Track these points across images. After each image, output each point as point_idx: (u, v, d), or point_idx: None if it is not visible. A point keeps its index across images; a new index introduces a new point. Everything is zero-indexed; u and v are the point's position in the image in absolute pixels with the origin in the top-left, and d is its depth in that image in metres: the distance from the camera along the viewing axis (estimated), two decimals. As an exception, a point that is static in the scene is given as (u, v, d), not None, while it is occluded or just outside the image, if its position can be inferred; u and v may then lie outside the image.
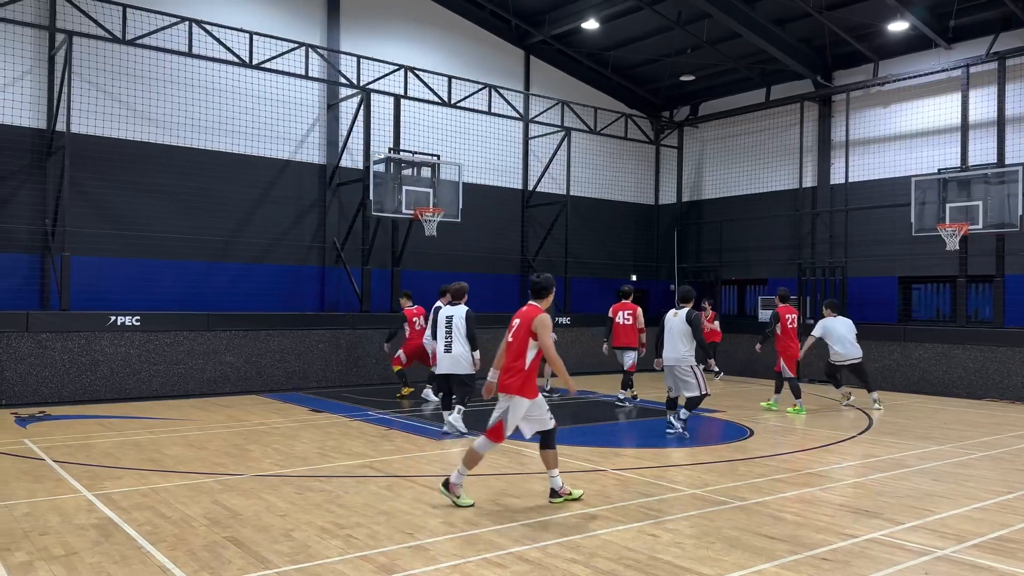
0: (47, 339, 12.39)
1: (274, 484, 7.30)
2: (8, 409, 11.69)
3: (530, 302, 6.91)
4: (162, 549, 5.37)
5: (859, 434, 10.66)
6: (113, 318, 12.98)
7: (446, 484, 6.68)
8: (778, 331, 12.62)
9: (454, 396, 10.47)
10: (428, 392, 13.06)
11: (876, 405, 12.98)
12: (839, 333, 13.05)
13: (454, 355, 10.25)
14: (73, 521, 6.01)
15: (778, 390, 12.87)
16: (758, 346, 13.16)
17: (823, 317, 13.32)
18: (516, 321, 6.83)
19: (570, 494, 6.81)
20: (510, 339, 6.78)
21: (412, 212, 15.21)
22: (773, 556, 5.39)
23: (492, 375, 6.92)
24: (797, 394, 12.44)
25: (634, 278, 21.52)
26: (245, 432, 10.14)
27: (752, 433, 10.63)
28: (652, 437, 10.74)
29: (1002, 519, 6.44)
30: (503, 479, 7.71)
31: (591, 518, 6.28)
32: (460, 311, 10.32)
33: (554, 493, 6.80)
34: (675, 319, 10.38)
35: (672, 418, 10.39)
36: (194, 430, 10.22)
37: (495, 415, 6.73)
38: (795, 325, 12.73)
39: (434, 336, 10.77)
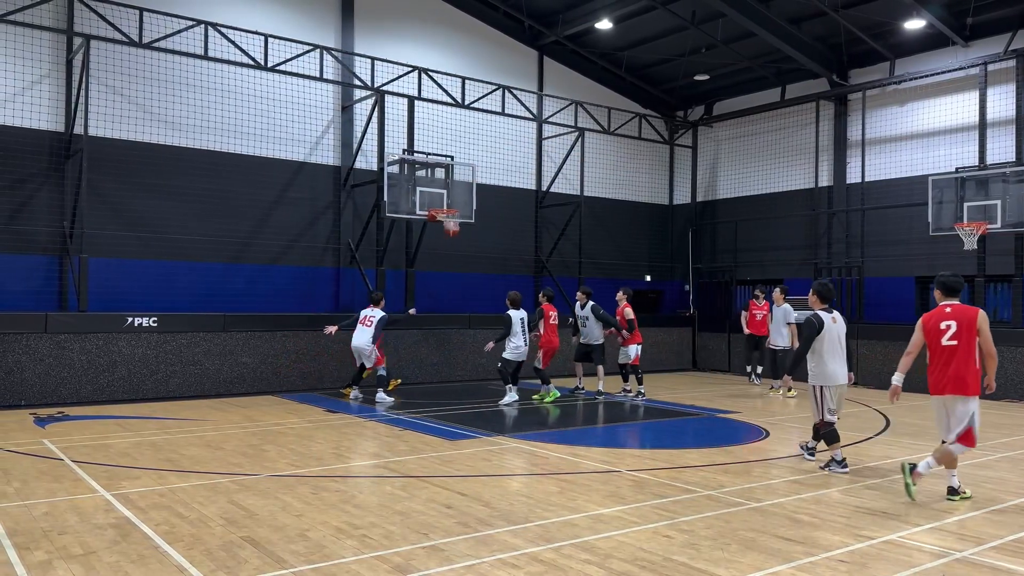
0: (65, 340, 12.51)
1: (290, 484, 7.34)
2: (27, 409, 11.81)
3: (951, 300, 7.08)
4: (179, 548, 5.40)
5: (876, 435, 10.59)
6: (130, 319, 13.08)
7: (912, 467, 6.97)
8: (541, 329, 13.92)
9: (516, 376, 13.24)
10: (356, 394, 13.46)
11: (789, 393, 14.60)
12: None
13: (527, 347, 13.34)
14: (91, 521, 6.06)
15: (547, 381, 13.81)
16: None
17: (779, 304, 15.10)
18: (949, 323, 6.90)
19: (964, 493, 6.97)
20: (950, 341, 6.83)
21: (426, 213, 15.24)
22: (789, 558, 5.36)
23: (898, 379, 7.15)
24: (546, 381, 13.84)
25: (648, 278, 21.48)
26: (261, 432, 10.19)
27: (768, 434, 10.58)
28: (666, 438, 10.72)
29: (1022, 521, 6.38)
30: (518, 480, 7.72)
31: (606, 519, 6.27)
32: (525, 313, 13.50)
33: (952, 491, 6.99)
34: (837, 325, 8.32)
35: (808, 449, 8.76)
36: (210, 430, 10.28)
37: (963, 422, 6.84)
38: (556, 322, 14.18)
39: (506, 336, 13.19)
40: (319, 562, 5.17)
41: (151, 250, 14.36)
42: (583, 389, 14.62)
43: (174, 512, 6.33)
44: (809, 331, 8.17)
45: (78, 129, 13.19)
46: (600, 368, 14.22)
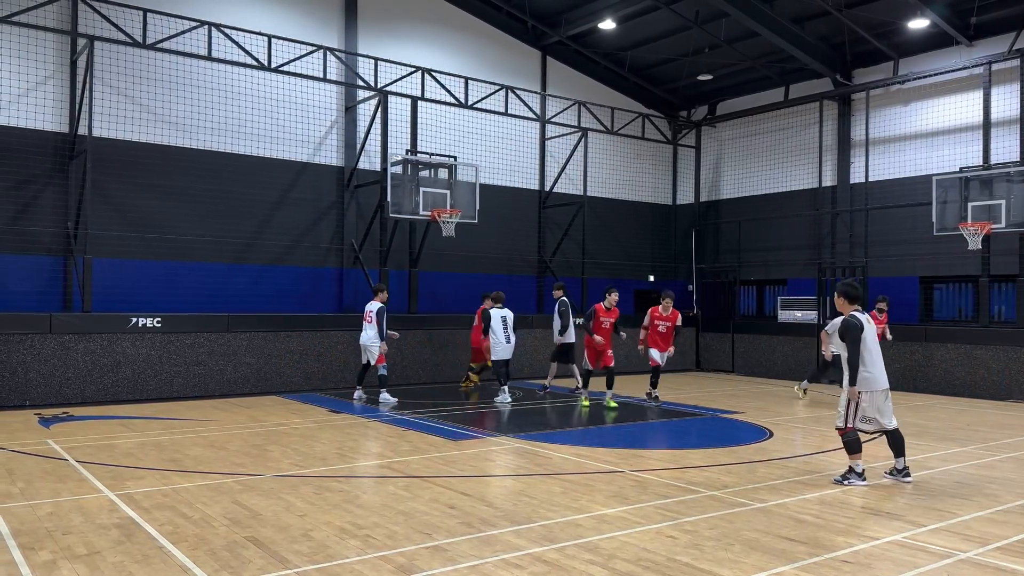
0: (70, 340, 12.53)
1: (293, 484, 7.35)
2: (32, 410, 11.83)
3: None
4: (183, 549, 5.41)
5: (880, 435, 10.55)
6: (135, 319, 13.10)
7: None
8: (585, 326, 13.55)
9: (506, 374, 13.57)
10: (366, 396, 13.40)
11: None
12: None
13: (512, 344, 13.67)
14: (96, 521, 6.08)
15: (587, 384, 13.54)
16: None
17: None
18: None
19: None
20: None
21: (429, 213, 15.24)
22: (793, 558, 5.36)
23: None
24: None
25: (651, 278, 21.46)
26: (264, 433, 10.20)
27: (772, 434, 10.57)
28: (670, 438, 10.71)
29: (1026, 522, 6.36)
30: (521, 480, 7.72)
31: (609, 519, 6.27)
32: (510, 313, 13.75)
33: None
34: (871, 327, 7.86)
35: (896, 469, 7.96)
36: (214, 430, 10.30)
37: None
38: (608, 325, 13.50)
39: (485, 332, 13.69)
40: (323, 562, 5.18)
41: (154, 251, 14.38)
42: (549, 388, 14.70)
43: (178, 512, 6.34)
44: (856, 332, 7.55)
45: (82, 130, 13.23)
46: (574, 367, 14.31)
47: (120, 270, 13.97)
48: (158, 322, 13.29)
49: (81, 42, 13.45)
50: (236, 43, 14.33)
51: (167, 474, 7.74)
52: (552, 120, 18.92)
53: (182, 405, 12.62)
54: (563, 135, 19.43)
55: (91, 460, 8.33)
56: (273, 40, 14.70)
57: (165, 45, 13.86)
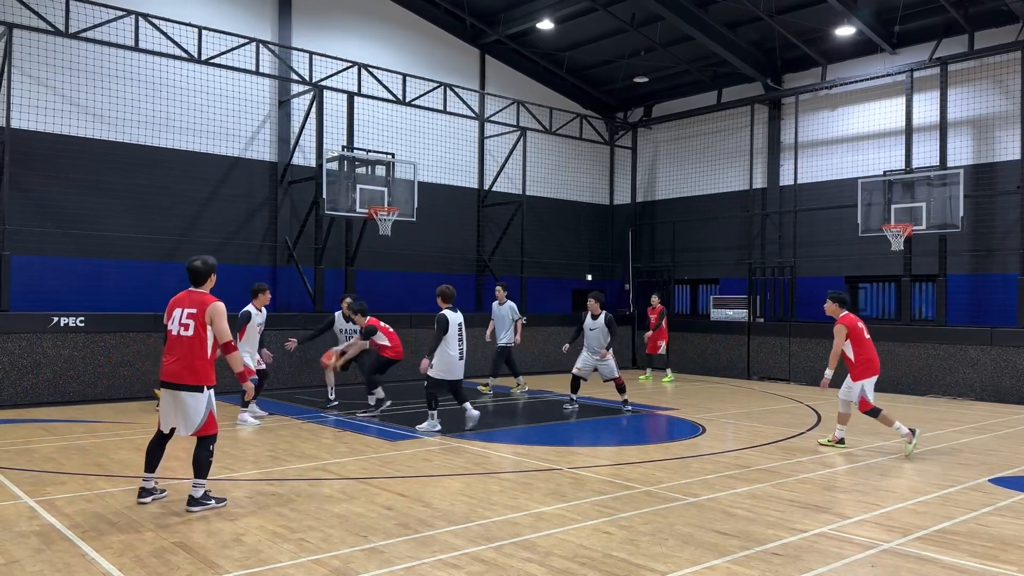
0: (-14, 341, 11.98)
1: (224, 488, 7.17)
2: (-56, 414, 11.28)
3: None
4: (107, 556, 5.22)
5: (808, 430, 10.87)
6: (56, 319, 12.59)
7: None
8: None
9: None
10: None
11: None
12: None
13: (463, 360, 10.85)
14: (13, 528, 5.82)
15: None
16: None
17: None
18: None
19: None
20: None
21: (366, 211, 15.06)
22: (725, 552, 5.46)
23: None
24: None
25: (589, 277, 21.66)
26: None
27: (704, 430, 10.77)
28: (607, 435, 10.81)
29: (945, 512, 6.63)
30: (459, 480, 7.69)
31: (546, 517, 6.29)
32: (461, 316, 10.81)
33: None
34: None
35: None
36: (141, 434, 9.97)
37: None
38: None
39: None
40: (255, 567, 5.06)
41: (78, 247, 13.86)
42: (336, 401, 12.67)
43: (103, 518, 6.11)
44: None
45: (0, 122, 12.65)
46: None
47: (40, 268, 13.42)
48: (81, 321, 12.80)
49: (-1, 29, 12.88)
50: (165, 34, 13.90)
51: (90, 479, 7.46)
52: (491, 119, 18.91)
53: (107, 407, 12.19)
54: (502, 134, 19.44)
55: (9, 466, 7.97)
56: (204, 31, 14.31)
57: (89, 35, 13.35)
